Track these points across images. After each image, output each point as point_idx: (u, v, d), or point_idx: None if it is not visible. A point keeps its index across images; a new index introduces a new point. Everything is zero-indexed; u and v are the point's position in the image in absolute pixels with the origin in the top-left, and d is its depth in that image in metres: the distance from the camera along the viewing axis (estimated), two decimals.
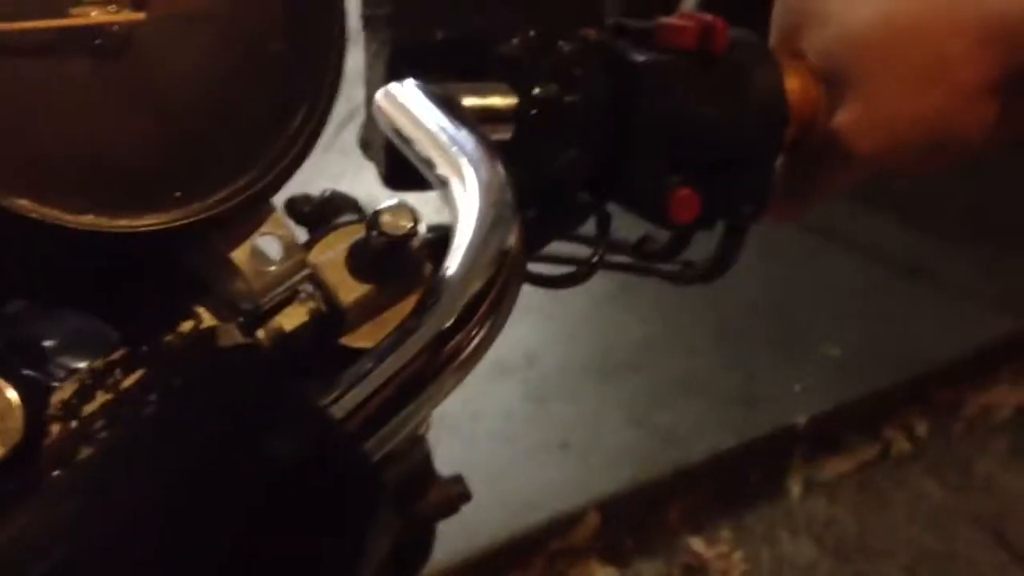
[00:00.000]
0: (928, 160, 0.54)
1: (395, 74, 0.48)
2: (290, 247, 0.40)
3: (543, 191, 0.50)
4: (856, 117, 0.52)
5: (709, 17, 0.49)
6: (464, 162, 0.42)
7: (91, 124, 0.36)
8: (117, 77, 0.36)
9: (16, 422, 0.37)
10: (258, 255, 0.40)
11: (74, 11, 0.35)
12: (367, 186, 0.58)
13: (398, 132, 0.45)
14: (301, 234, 0.45)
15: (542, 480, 1.93)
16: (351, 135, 0.56)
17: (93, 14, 0.35)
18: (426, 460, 0.61)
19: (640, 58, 0.49)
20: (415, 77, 0.47)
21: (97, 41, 0.35)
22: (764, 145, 0.52)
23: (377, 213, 0.41)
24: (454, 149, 0.42)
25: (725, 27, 0.49)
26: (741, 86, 0.50)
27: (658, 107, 0.49)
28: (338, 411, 0.37)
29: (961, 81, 0.51)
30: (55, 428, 0.38)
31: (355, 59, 0.51)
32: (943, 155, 0.53)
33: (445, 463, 0.63)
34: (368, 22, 0.52)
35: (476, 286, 0.39)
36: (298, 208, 0.47)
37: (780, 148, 0.53)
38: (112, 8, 0.36)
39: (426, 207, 0.46)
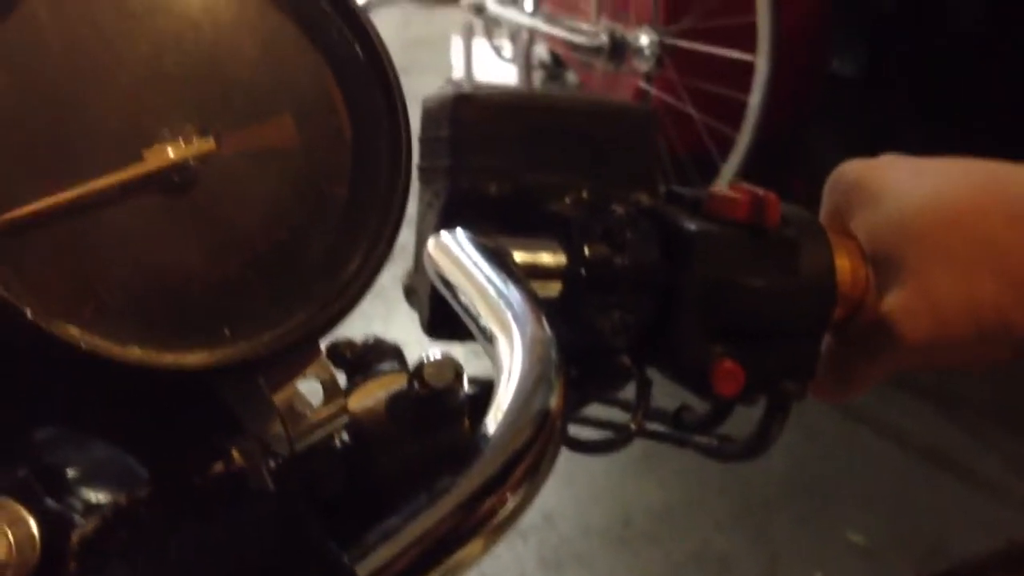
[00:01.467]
0: (977, 353, 0.52)
1: (447, 225, 0.48)
2: (331, 392, 0.40)
3: (585, 352, 0.50)
4: (905, 302, 0.51)
5: (762, 191, 0.49)
6: (510, 317, 0.41)
7: (147, 256, 0.36)
8: (179, 212, 0.36)
9: (34, 555, 0.36)
10: (298, 398, 0.39)
11: (147, 152, 0.35)
12: (398, 328, 0.58)
13: (445, 281, 0.45)
14: (340, 378, 0.44)
15: None
16: (385, 277, 0.56)
17: (169, 151, 0.35)
18: None
19: (692, 226, 0.49)
20: (467, 229, 0.47)
21: (176, 179, 0.35)
22: (811, 322, 0.51)
23: (421, 365, 0.41)
24: (501, 303, 0.42)
25: (778, 201, 0.49)
26: (791, 261, 0.50)
27: (707, 276, 0.48)
28: (363, 569, 0.36)
29: (1012, 271, 0.50)
30: (73, 565, 0.37)
31: None
32: (992, 349, 0.52)
33: None
34: (424, 173, 0.52)
35: (514, 447, 0.38)
36: (340, 352, 0.47)
37: (827, 326, 0.52)
38: (182, 142, 0.36)
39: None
